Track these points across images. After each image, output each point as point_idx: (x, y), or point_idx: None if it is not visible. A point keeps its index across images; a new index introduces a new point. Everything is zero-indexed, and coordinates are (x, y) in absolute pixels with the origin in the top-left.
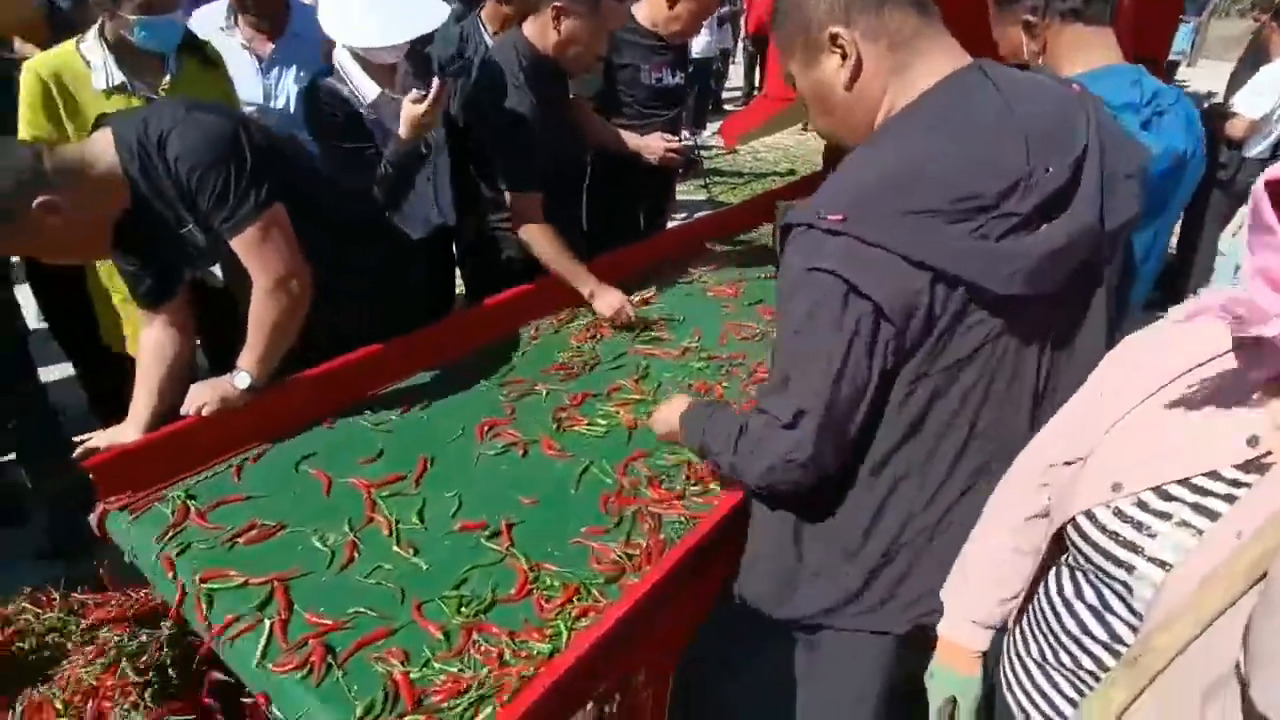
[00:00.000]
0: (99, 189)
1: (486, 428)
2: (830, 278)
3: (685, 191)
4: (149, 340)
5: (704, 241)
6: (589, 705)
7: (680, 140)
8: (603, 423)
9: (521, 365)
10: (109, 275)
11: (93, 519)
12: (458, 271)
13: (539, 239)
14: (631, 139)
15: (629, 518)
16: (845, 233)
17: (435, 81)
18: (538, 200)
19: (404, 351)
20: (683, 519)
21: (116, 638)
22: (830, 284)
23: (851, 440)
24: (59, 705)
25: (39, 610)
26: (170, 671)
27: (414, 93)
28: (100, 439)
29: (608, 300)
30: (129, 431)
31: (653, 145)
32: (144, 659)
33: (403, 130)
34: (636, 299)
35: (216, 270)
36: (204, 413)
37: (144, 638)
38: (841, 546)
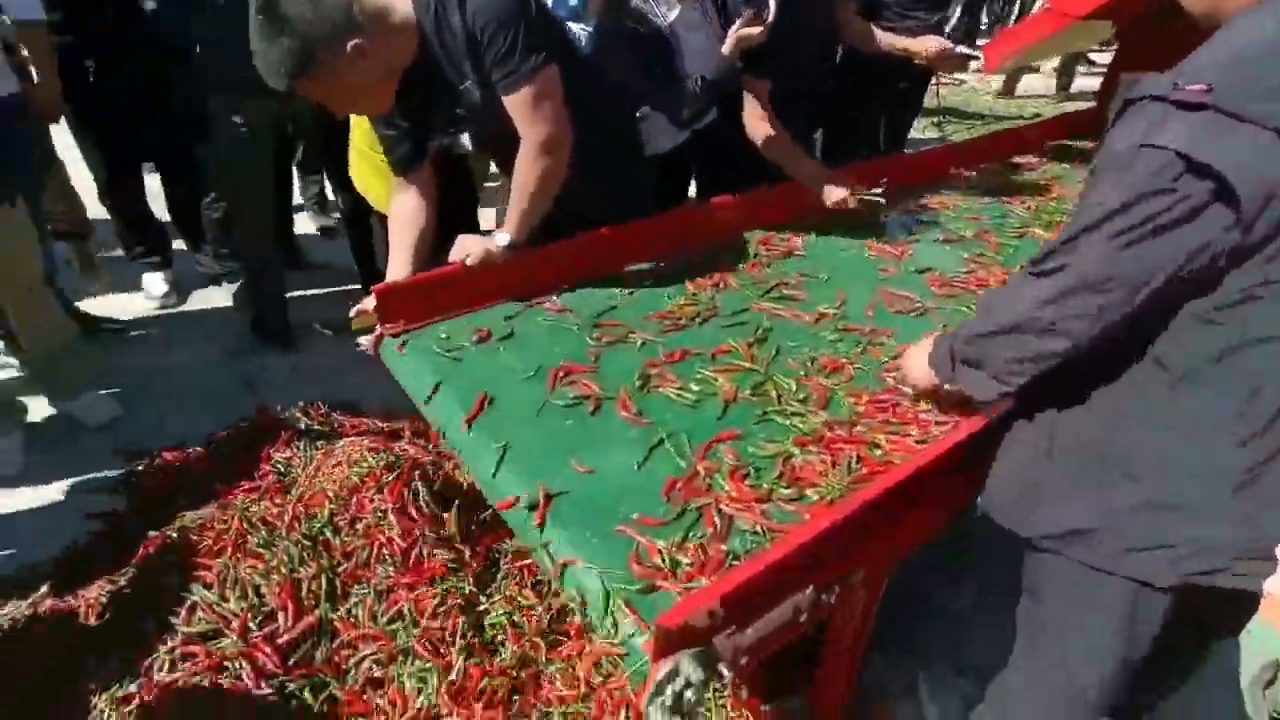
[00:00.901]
0: (397, 37)
1: (562, 373)
2: (1165, 155)
3: (913, 129)
4: (402, 206)
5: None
6: (809, 589)
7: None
8: (696, 389)
9: (625, 307)
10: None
11: (368, 341)
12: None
13: (759, 124)
14: (901, 40)
15: (693, 513)
16: (1208, 105)
17: (771, 4)
18: (766, 87)
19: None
20: (758, 530)
21: (373, 450)
22: (1163, 162)
23: (1139, 333)
24: (331, 494)
25: (310, 420)
26: (420, 490)
27: (747, 13)
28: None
29: (833, 187)
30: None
31: (930, 46)
32: (396, 475)
33: (727, 48)
34: (866, 193)
35: (466, 140)
36: (468, 263)
37: (396, 453)
38: (1109, 464)
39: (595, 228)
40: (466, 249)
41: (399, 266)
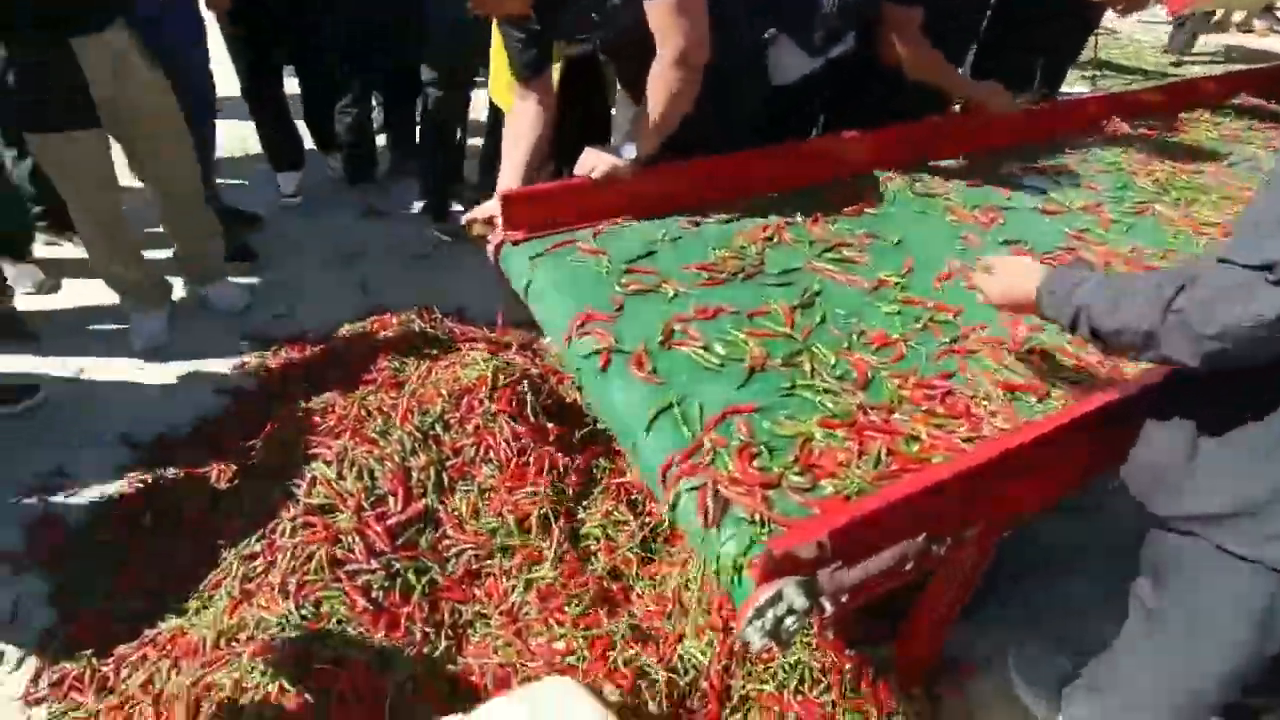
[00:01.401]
0: None
1: (580, 322)
2: None
3: (1067, 82)
4: (522, 113)
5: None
6: (921, 537)
7: None
8: (721, 352)
9: (664, 252)
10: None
11: (490, 249)
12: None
13: (907, 48)
14: None
15: (685, 497)
16: None
17: None
18: (916, 17)
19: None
20: (757, 520)
21: (485, 356)
22: None
23: None
24: (444, 392)
25: (422, 324)
26: (528, 399)
27: None
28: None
29: (999, 99)
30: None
31: None
32: (506, 383)
33: None
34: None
35: (595, 47)
36: (594, 177)
37: (506, 360)
38: (1257, 450)
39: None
40: (593, 162)
41: (510, 175)
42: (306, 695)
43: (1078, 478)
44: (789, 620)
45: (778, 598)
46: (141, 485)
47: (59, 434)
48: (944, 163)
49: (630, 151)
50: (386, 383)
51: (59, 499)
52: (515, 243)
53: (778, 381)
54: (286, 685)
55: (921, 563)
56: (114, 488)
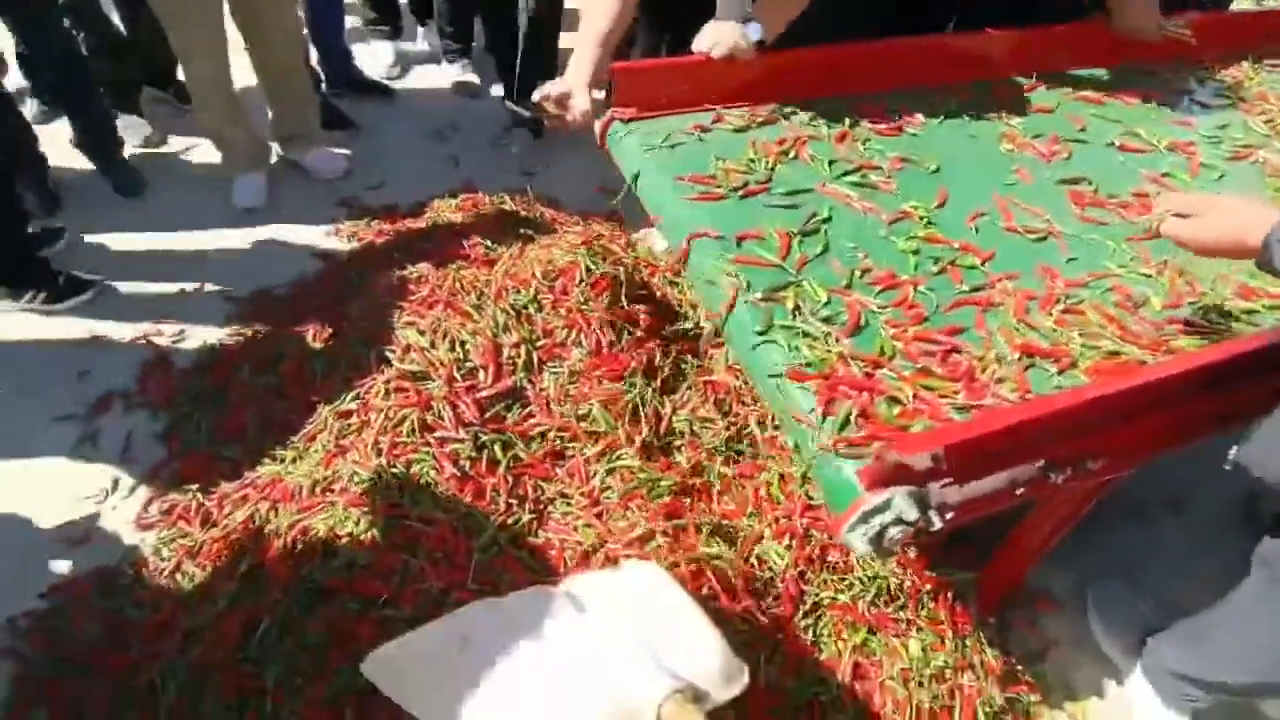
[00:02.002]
0: None
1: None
2: None
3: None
4: None
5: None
6: (1038, 463)
7: None
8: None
9: (659, 158)
10: None
11: (597, 126)
12: None
13: None
14: None
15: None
16: None
17: None
18: None
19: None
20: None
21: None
22: None
23: None
24: (537, 273)
25: (514, 206)
26: (622, 286)
27: None
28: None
29: (1144, 17)
30: (577, 74)
31: None
32: (601, 271)
33: None
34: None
35: None
36: (714, 54)
37: (602, 246)
38: None
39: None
40: (714, 38)
41: (587, 46)
42: (396, 549)
43: (1211, 426)
44: (894, 530)
45: (886, 505)
46: (242, 338)
47: (165, 284)
48: (1016, 79)
49: (756, 32)
50: (479, 259)
51: (167, 343)
52: (625, 120)
53: (751, 319)
54: (378, 536)
55: (1033, 489)
56: (216, 337)
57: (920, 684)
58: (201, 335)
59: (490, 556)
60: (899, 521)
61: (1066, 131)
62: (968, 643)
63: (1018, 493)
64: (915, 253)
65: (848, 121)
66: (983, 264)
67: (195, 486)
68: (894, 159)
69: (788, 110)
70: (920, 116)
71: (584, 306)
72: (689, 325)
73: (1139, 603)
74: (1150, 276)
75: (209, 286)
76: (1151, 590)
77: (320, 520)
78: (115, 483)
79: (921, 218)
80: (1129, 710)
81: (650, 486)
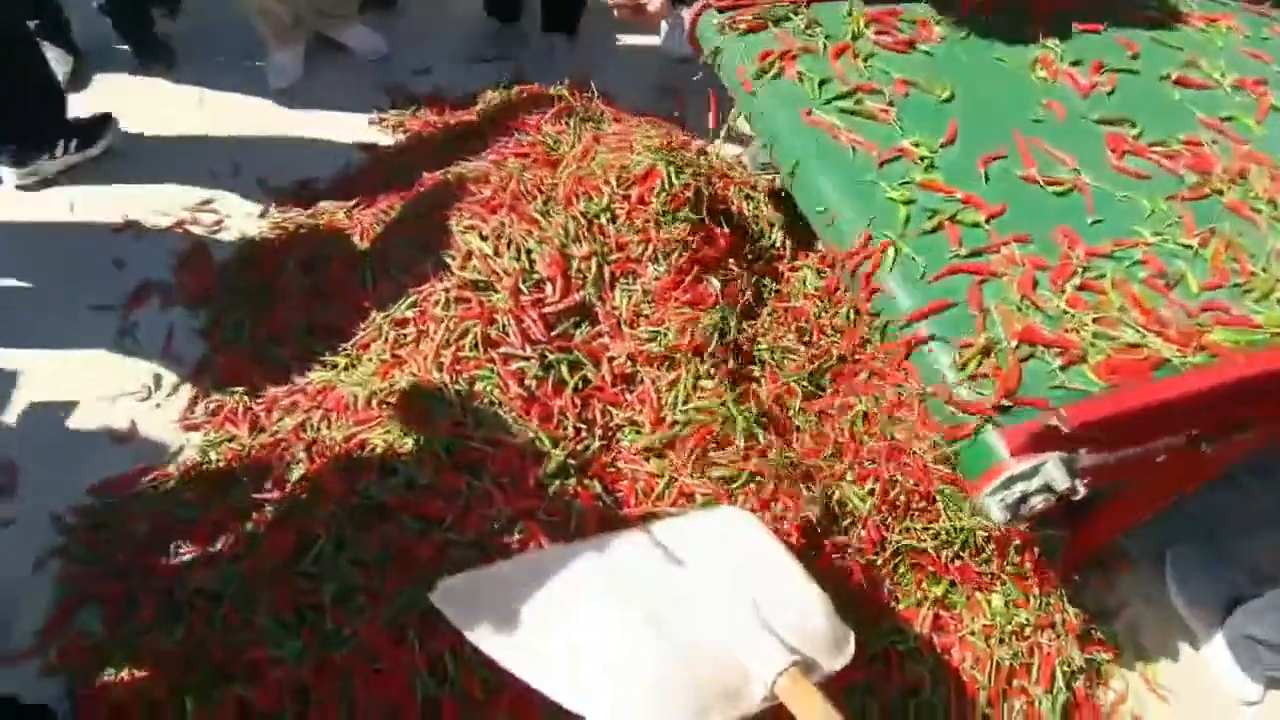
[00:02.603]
0: None
1: None
2: None
3: None
4: None
5: None
6: (1190, 433)
7: None
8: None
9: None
10: None
11: (687, 15)
12: None
13: None
14: None
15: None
16: None
17: None
18: None
19: None
20: None
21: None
22: None
23: None
24: (611, 180)
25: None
26: (704, 197)
27: None
28: None
29: None
30: None
31: None
32: (683, 181)
33: None
34: None
35: None
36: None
37: (683, 156)
38: None
39: None
40: None
41: None
42: (459, 470)
43: None
44: (1037, 497)
45: (1034, 471)
46: (283, 232)
47: (200, 168)
48: None
49: None
50: (541, 159)
51: (204, 233)
52: (721, 8)
53: None
54: (441, 455)
55: (1179, 458)
56: (256, 229)
57: (1001, 640)
58: (240, 226)
59: (559, 484)
60: (1045, 489)
61: (1114, 58)
62: (1050, 600)
63: (1158, 459)
64: (907, 203)
65: (850, 31)
66: (987, 221)
67: (241, 389)
68: (899, 82)
69: (779, 13)
70: (938, 30)
71: (663, 219)
72: (769, 243)
73: (1219, 568)
74: (1190, 248)
75: (246, 175)
76: (1233, 555)
77: (378, 435)
78: (157, 379)
79: (922, 159)
80: (1201, 674)
81: (727, 419)
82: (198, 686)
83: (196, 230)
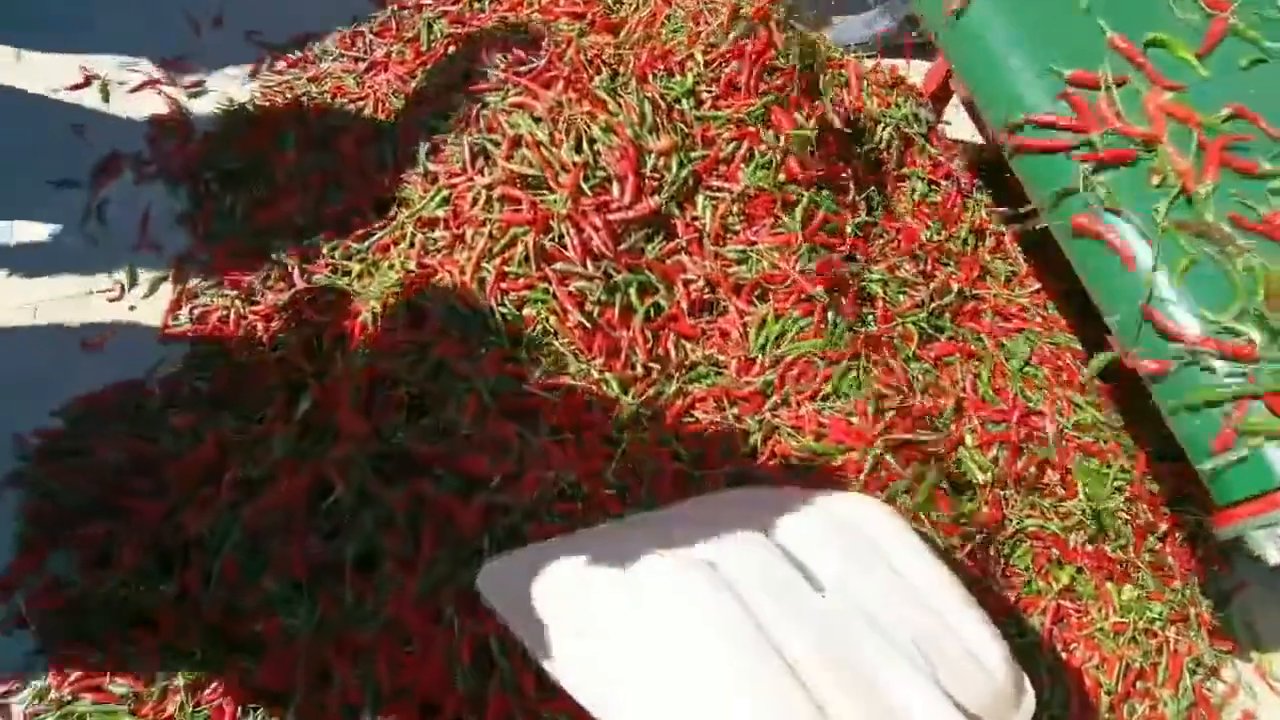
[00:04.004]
0: None
1: None
2: None
3: None
4: None
5: None
6: None
7: None
8: None
9: None
10: None
11: None
12: None
13: None
14: None
15: None
16: None
17: None
18: None
19: None
20: None
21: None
22: None
23: None
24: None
25: None
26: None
27: None
28: None
29: None
30: None
31: None
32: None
33: None
34: None
35: None
36: None
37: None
38: None
39: None
40: None
41: None
42: (508, 418)
43: None
44: None
45: None
46: (278, 98)
47: (173, 14)
48: None
49: None
50: (599, 20)
51: (181, 96)
52: None
53: None
54: (485, 398)
55: None
56: (244, 92)
57: (1133, 639)
58: (224, 89)
59: (630, 439)
60: None
61: None
62: (1187, 592)
63: None
64: None
65: None
66: None
67: (233, 292)
68: None
69: None
70: None
71: (763, 112)
72: (875, 144)
73: None
74: None
75: (232, 26)
76: None
77: (404, 366)
78: (133, 275)
79: None
80: None
81: (830, 364)
82: (190, 654)
83: (172, 92)
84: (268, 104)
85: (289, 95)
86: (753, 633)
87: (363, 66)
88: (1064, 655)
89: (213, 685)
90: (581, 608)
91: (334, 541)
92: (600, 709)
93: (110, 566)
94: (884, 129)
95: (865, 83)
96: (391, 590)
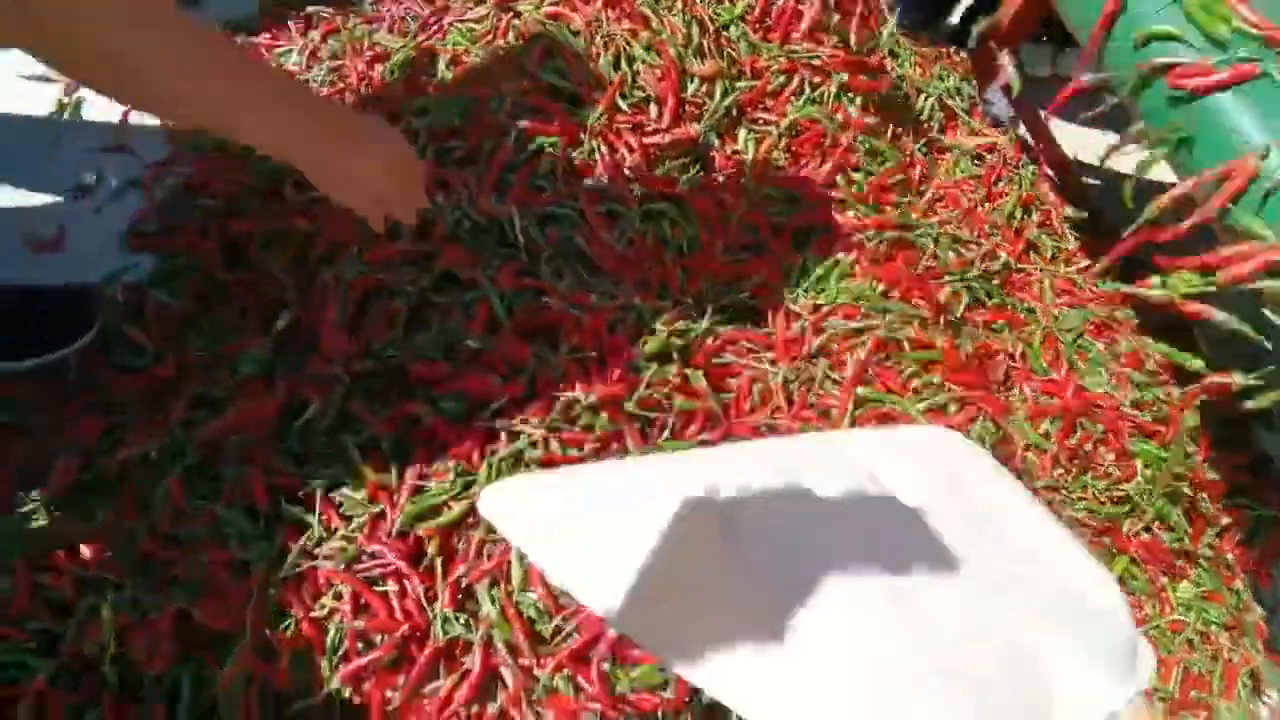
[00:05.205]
0: None
1: None
2: None
3: None
4: None
5: None
6: None
7: None
8: None
9: None
10: None
11: None
12: None
13: None
14: None
15: None
16: None
17: None
18: None
19: None
20: None
21: None
22: None
23: None
24: None
25: None
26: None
27: None
28: None
29: None
30: None
31: None
32: None
33: None
34: None
35: None
36: None
37: None
38: None
39: None
40: None
41: None
42: (524, 335)
43: None
44: None
45: None
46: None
47: None
48: None
49: None
50: None
51: None
52: None
53: None
54: (499, 312)
55: None
56: None
57: (1190, 642)
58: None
59: (658, 372)
60: None
61: None
62: (1244, 596)
63: None
64: None
65: None
66: None
67: (212, 201)
68: None
69: None
70: None
71: (817, 44)
72: (918, 112)
73: None
74: None
75: None
76: None
77: (405, 277)
78: (97, 175)
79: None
80: None
81: (890, 319)
82: (118, 586)
83: None
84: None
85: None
86: (814, 568)
87: None
88: None
89: (143, 624)
90: (602, 529)
91: (305, 467)
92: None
93: (37, 488)
94: (926, 99)
95: (910, 51)
96: (364, 525)
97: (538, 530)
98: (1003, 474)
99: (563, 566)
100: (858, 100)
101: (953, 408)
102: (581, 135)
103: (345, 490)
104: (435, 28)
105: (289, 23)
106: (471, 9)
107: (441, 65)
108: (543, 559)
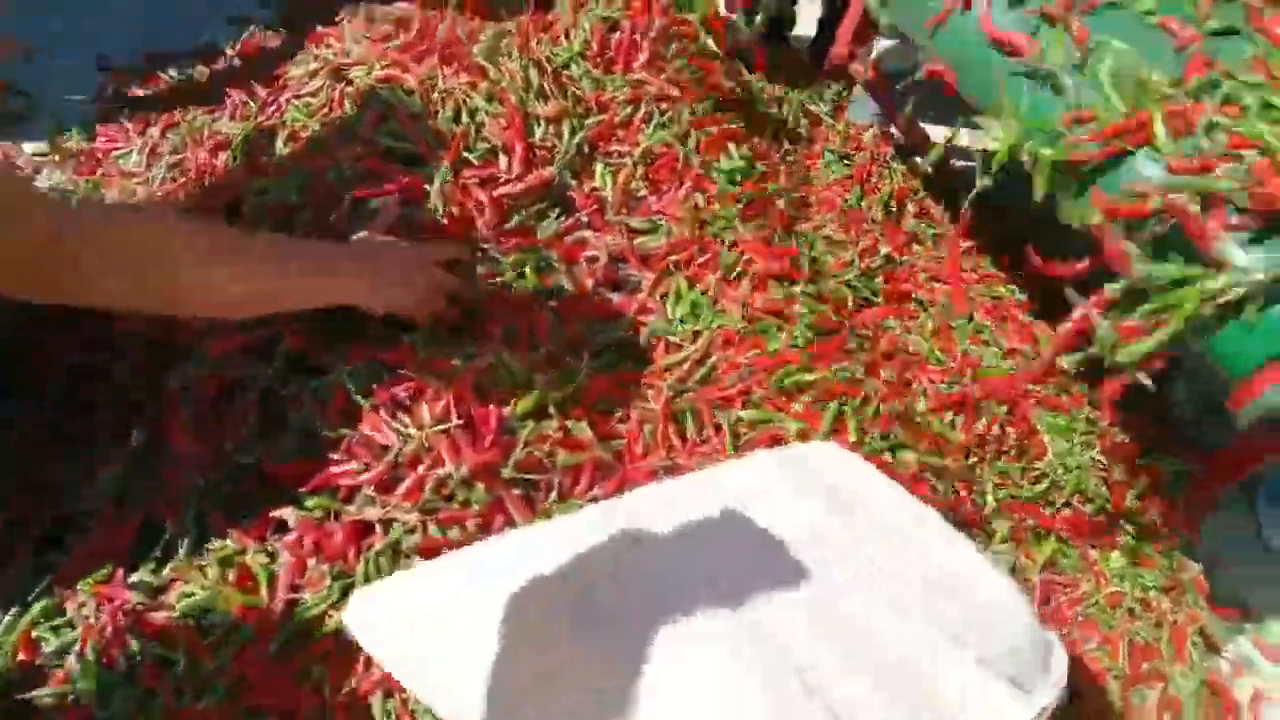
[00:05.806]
0: None
1: None
2: None
3: None
4: None
5: None
6: None
7: None
8: None
9: None
10: None
11: None
12: None
13: None
14: None
15: None
16: None
17: None
18: None
19: None
20: None
21: None
22: None
23: None
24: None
25: None
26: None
27: None
28: None
29: None
30: None
31: None
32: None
33: None
34: None
35: None
36: None
37: None
38: None
39: None
40: None
41: None
42: (383, 408)
43: None
44: None
45: None
46: None
47: None
48: None
49: None
50: (469, 4)
51: None
52: None
53: None
54: (348, 388)
55: None
56: None
57: (1130, 611)
58: None
59: (534, 429)
60: None
61: None
62: (1176, 555)
63: None
64: None
65: None
66: None
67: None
68: None
69: None
70: None
71: (664, 63)
72: (781, 119)
73: None
74: None
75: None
76: None
77: (256, 367)
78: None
79: None
80: None
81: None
82: None
83: None
84: None
85: None
86: (725, 609)
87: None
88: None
89: None
90: (485, 634)
91: (163, 595)
92: None
93: None
94: (786, 109)
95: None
96: (233, 651)
97: (404, 638)
98: (892, 486)
99: (423, 679)
100: (712, 118)
101: (851, 418)
102: (426, 193)
103: (212, 616)
104: (274, 106)
105: (123, 122)
106: (308, 83)
107: (279, 142)
108: (402, 672)
